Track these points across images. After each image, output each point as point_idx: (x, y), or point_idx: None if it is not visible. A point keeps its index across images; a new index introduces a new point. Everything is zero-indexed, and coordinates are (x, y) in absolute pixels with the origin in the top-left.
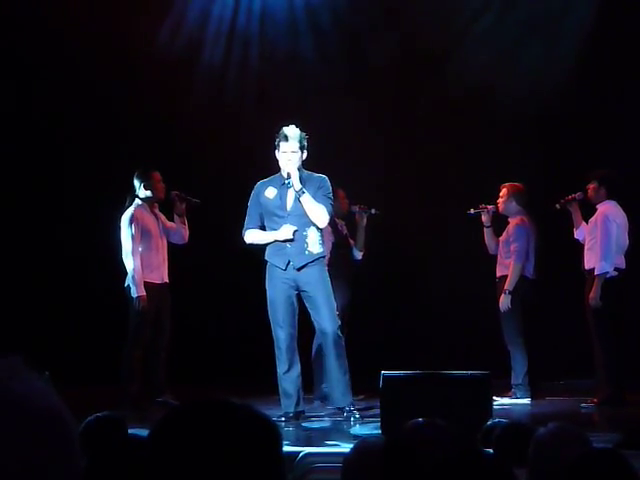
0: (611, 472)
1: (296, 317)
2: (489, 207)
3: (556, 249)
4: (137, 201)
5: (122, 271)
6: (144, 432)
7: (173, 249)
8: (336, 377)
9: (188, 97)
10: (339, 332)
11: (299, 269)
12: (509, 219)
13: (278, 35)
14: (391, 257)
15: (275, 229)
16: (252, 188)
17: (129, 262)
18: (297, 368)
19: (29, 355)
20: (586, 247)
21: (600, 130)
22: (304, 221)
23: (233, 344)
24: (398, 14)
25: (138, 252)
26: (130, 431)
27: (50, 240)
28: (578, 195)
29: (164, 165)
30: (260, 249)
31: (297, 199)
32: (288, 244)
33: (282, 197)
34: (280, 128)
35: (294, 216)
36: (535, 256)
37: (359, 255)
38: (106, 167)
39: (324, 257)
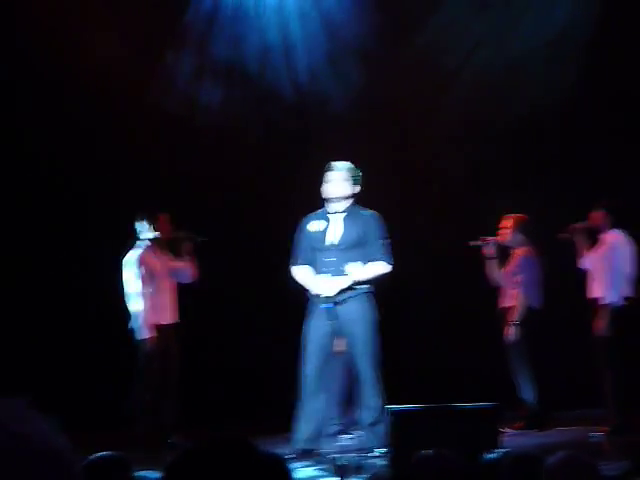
0: None
1: (327, 356)
2: (490, 239)
3: (562, 279)
4: (144, 242)
5: (130, 313)
6: (154, 474)
7: (182, 288)
8: (367, 414)
9: (191, 139)
10: (376, 368)
11: (338, 303)
12: (514, 250)
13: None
14: (396, 290)
15: (319, 262)
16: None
17: (136, 304)
18: (317, 405)
19: (38, 399)
20: (591, 276)
21: (605, 158)
22: (348, 255)
23: (244, 384)
24: (390, 43)
25: (146, 293)
26: (140, 473)
27: (59, 283)
28: (583, 224)
29: (169, 206)
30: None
31: (353, 280)
32: (329, 276)
33: (325, 231)
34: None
35: (337, 250)
36: (541, 286)
37: None
38: (110, 209)
39: (368, 292)
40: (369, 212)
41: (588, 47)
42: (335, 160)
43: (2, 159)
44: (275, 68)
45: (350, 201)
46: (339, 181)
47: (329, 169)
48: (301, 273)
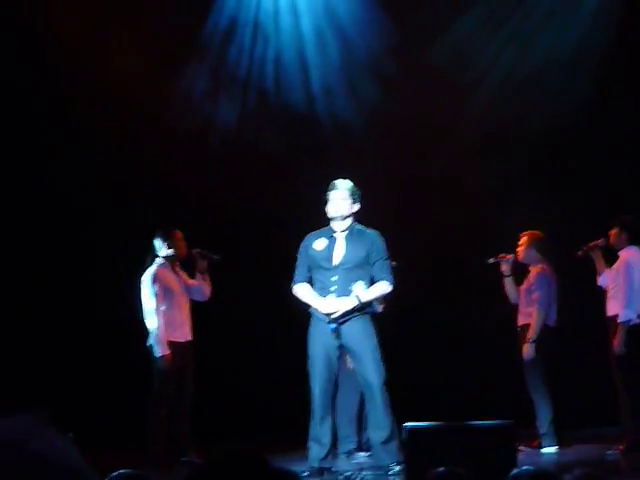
0: None
1: (334, 374)
2: (508, 256)
3: (580, 296)
4: (159, 260)
5: (145, 330)
6: None
7: (196, 306)
8: (379, 432)
9: (205, 155)
10: (384, 386)
11: (342, 323)
12: (530, 267)
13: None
14: (411, 309)
15: (322, 281)
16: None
17: (152, 321)
18: (329, 424)
19: (54, 416)
20: (609, 294)
21: (621, 175)
22: (351, 275)
23: (258, 401)
24: (405, 59)
25: (161, 311)
26: None
27: (74, 300)
28: (600, 242)
29: (184, 223)
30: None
31: (358, 301)
32: (333, 297)
33: (330, 249)
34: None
35: (342, 269)
36: (557, 304)
37: (379, 308)
38: (126, 227)
39: (370, 312)
40: (373, 231)
41: (606, 60)
42: (344, 177)
43: (23, 173)
44: (290, 84)
45: (351, 220)
46: (341, 200)
47: (331, 188)
48: (304, 291)
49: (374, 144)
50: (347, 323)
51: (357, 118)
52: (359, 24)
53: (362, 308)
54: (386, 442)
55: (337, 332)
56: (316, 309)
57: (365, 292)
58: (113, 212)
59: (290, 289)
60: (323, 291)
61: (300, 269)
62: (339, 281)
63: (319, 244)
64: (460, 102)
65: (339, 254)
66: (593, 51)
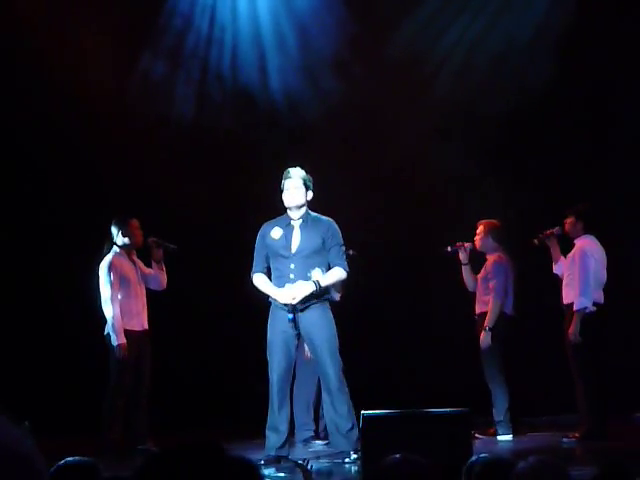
0: None
1: (292, 363)
2: (466, 244)
3: (535, 284)
4: (115, 248)
5: (101, 319)
6: None
7: (152, 295)
8: (337, 421)
9: (161, 143)
10: (341, 375)
11: (301, 310)
12: (487, 256)
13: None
14: (369, 297)
15: (280, 269)
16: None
17: (108, 310)
18: (286, 412)
19: (9, 404)
20: (564, 282)
21: (577, 163)
22: (309, 262)
23: (215, 390)
24: (364, 49)
25: (117, 299)
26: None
27: (28, 287)
28: (556, 230)
29: (141, 212)
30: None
31: (316, 285)
32: (292, 284)
33: (287, 238)
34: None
35: (299, 257)
36: (514, 292)
37: (337, 297)
38: (83, 215)
39: (328, 299)
40: (327, 219)
41: (567, 41)
42: (296, 165)
43: None
44: (248, 73)
45: (305, 208)
46: (295, 189)
47: (285, 177)
48: (262, 281)
49: (332, 131)
50: (305, 312)
51: (315, 104)
52: (317, 12)
53: (320, 295)
54: (346, 430)
55: (295, 321)
56: (275, 299)
57: (323, 278)
58: (70, 198)
59: (249, 278)
60: (281, 279)
61: (258, 259)
62: (297, 269)
63: (276, 233)
64: (420, 88)
65: (296, 242)
66: (553, 32)
